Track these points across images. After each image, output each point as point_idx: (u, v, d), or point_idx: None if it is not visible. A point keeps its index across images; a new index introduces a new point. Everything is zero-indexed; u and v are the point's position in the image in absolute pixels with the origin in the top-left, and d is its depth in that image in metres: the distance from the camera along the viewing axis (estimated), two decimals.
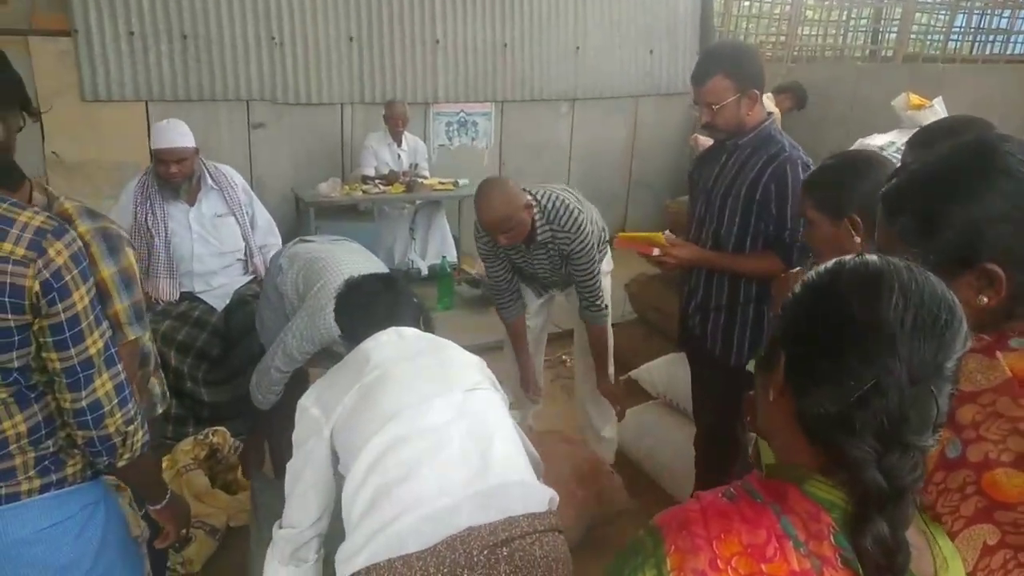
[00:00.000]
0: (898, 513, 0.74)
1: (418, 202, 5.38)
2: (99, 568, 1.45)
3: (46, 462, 1.35)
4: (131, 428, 1.37)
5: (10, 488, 1.32)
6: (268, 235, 3.37)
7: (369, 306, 1.80)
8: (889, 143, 3.27)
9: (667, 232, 2.35)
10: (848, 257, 0.82)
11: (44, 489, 1.35)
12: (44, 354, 1.27)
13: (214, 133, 5.21)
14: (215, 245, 3.22)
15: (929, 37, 7.15)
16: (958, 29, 7.18)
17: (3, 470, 1.31)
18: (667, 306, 3.57)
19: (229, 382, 3.25)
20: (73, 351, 1.27)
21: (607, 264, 3.05)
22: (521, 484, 1.47)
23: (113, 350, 1.35)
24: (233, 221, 3.22)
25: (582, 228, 2.62)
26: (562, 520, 1.54)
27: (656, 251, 2.23)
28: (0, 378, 1.25)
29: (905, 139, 2.54)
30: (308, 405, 1.58)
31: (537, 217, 2.60)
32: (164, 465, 2.89)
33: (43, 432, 1.34)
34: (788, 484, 0.79)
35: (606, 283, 3.05)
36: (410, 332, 1.73)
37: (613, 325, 4.53)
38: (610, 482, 2.82)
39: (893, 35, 6.79)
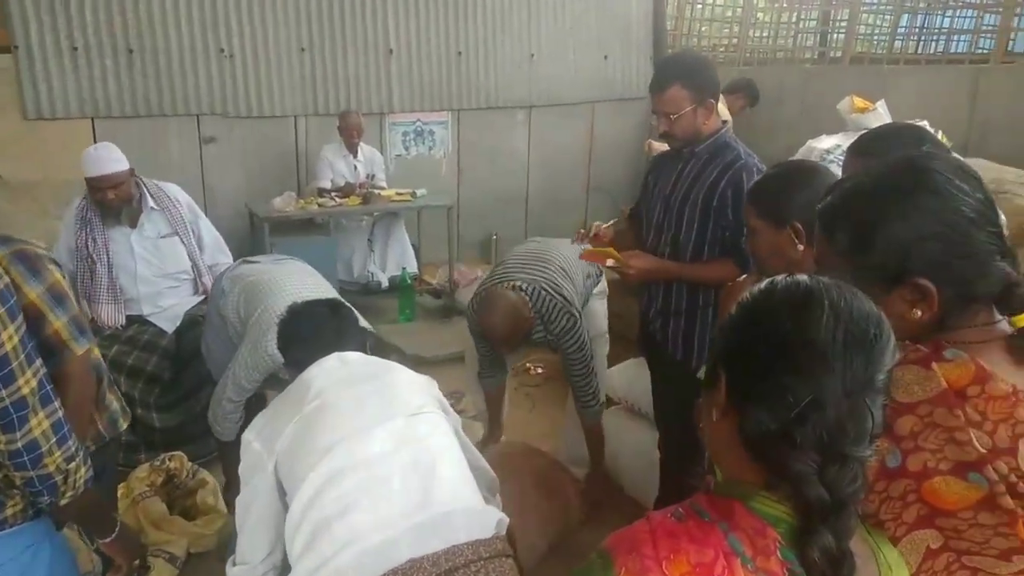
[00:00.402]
0: (841, 524, 0.76)
1: (376, 214, 5.34)
2: None
3: None
4: (72, 466, 1.33)
5: None
6: (217, 253, 3.31)
7: (312, 333, 1.78)
8: (835, 146, 3.34)
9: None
10: (780, 277, 0.84)
11: None
12: None
13: (163, 149, 5.11)
14: (159, 267, 3.15)
15: (876, 38, 7.33)
16: (903, 29, 7.37)
17: None
18: (628, 311, 3.59)
19: (181, 404, 3.19)
20: (4, 392, 1.23)
21: (601, 286, 3.15)
22: (465, 512, 1.45)
23: (49, 388, 1.31)
24: (177, 241, 3.16)
25: (575, 331, 2.68)
26: (526, 531, 1.53)
27: (611, 262, 2.26)
28: None
29: (850, 142, 2.60)
30: (251, 439, 1.55)
31: (534, 317, 2.65)
32: (120, 493, 2.82)
33: None
34: (734, 501, 0.80)
35: (600, 306, 3.16)
36: (354, 357, 1.71)
37: None
38: (575, 491, 2.82)
39: (841, 36, 6.95)
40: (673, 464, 2.56)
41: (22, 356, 1.25)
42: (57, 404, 1.31)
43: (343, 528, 1.36)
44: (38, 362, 1.29)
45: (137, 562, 1.61)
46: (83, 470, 1.37)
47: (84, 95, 4.82)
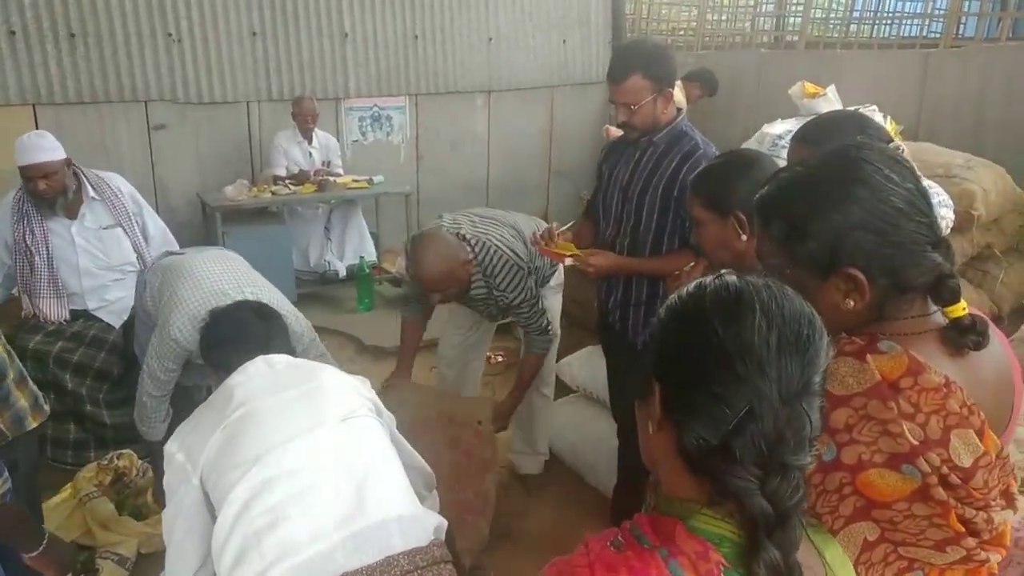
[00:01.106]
0: (786, 537, 0.74)
1: (333, 201, 5.25)
2: None
3: None
4: None
5: None
6: (164, 245, 3.21)
7: (237, 336, 1.73)
8: (787, 132, 3.36)
9: (556, 225, 2.38)
10: (709, 279, 0.81)
11: None
12: None
13: (111, 136, 4.94)
14: (103, 259, 3.06)
15: (831, 22, 7.40)
16: (858, 13, 7.46)
17: None
18: (587, 298, 3.59)
19: (132, 401, 3.10)
20: None
21: (555, 279, 2.97)
22: (400, 520, 1.41)
23: None
24: (120, 232, 3.06)
25: (521, 286, 2.56)
26: (466, 526, 1.50)
27: (569, 260, 2.26)
28: None
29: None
30: (174, 451, 1.50)
31: (474, 272, 2.52)
32: (65, 495, 2.75)
33: None
34: (676, 521, 0.78)
35: (555, 300, 3.00)
36: (281, 361, 1.66)
37: None
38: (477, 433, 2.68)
39: (798, 20, 7.00)
40: (631, 453, 2.57)
41: None
42: None
43: (273, 542, 1.32)
44: None
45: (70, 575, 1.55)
46: None
47: (24, 81, 4.62)
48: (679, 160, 2.19)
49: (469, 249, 2.50)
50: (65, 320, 3.04)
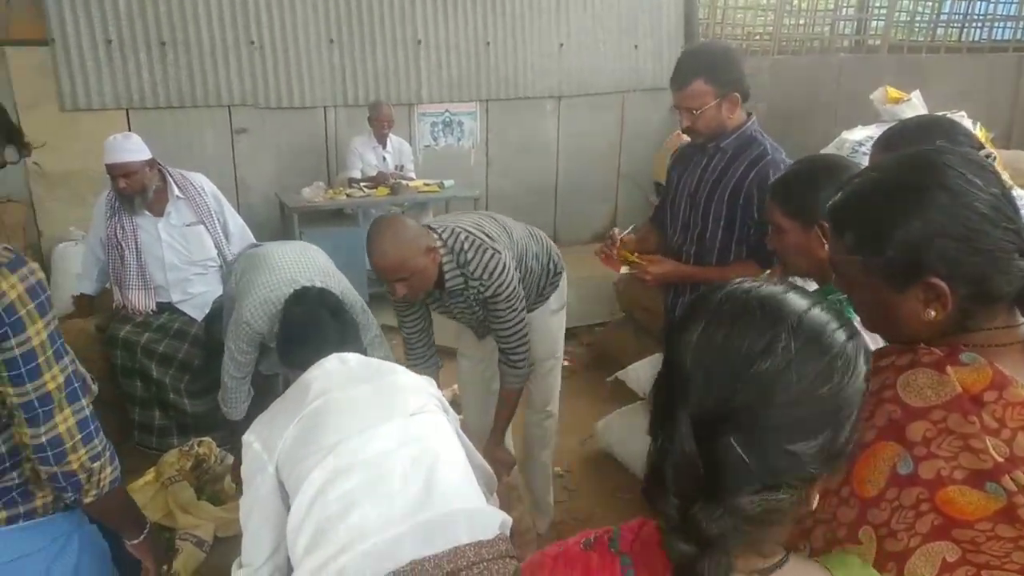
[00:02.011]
0: (710, 567, 0.70)
1: (404, 204, 5.36)
2: None
3: (13, 494, 1.34)
4: (97, 465, 1.34)
5: None
6: (243, 241, 3.36)
7: (312, 334, 1.79)
8: (868, 138, 3.26)
9: (617, 231, 2.35)
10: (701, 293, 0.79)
11: (10, 521, 1.33)
12: (0, 388, 1.25)
13: (197, 140, 5.19)
14: (186, 254, 3.23)
15: (916, 25, 7.13)
16: (944, 16, 7.15)
17: None
18: (655, 304, 3.55)
19: (211, 392, 3.24)
20: (29, 386, 1.25)
21: (557, 300, 2.68)
22: (467, 512, 1.44)
23: (77, 385, 1.32)
24: (203, 230, 3.22)
25: (498, 272, 2.24)
26: None
27: (624, 269, 2.24)
28: None
29: None
30: (251, 440, 1.56)
31: (445, 261, 2.23)
32: (149, 477, 2.89)
33: (7, 464, 1.33)
34: (657, 532, 0.77)
35: (556, 320, 2.71)
36: (353, 358, 1.71)
37: (601, 325, 4.56)
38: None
39: (881, 24, 6.77)
40: None
41: (50, 352, 1.27)
42: (85, 402, 1.33)
43: (346, 528, 1.36)
44: (67, 359, 1.31)
45: (165, 567, 1.63)
46: (109, 470, 1.38)
47: (119, 87, 4.90)
48: (746, 166, 2.14)
49: (436, 236, 2.24)
50: (152, 311, 3.21)
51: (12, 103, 4.59)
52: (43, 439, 1.28)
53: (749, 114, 2.23)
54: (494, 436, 2.50)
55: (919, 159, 0.98)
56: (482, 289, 2.26)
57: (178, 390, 3.22)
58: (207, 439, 3.10)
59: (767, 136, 2.22)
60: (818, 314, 0.74)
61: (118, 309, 3.23)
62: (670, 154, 4.62)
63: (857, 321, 1.06)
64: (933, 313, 0.95)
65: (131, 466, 3.00)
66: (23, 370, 1.24)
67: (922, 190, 0.94)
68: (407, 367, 2.53)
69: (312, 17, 5.31)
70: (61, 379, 1.29)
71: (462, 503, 1.45)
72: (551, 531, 2.86)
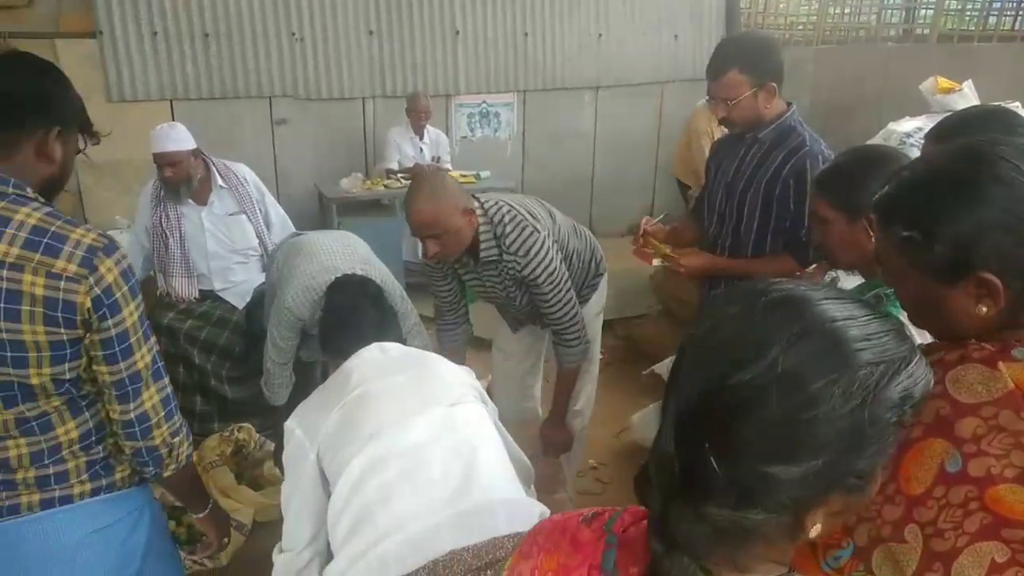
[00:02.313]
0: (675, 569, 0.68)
1: None
2: (145, 572, 1.48)
3: (97, 467, 1.40)
4: (177, 440, 1.41)
5: (63, 491, 1.37)
6: (284, 230, 3.40)
7: (353, 323, 1.81)
8: (916, 129, 3.17)
9: (648, 219, 2.33)
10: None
11: (95, 492, 1.40)
12: (95, 367, 1.32)
13: (238, 130, 5.27)
14: (228, 243, 3.28)
15: (967, 14, 6.90)
16: (998, 4, 6.91)
17: (57, 473, 1.36)
18: (691, 297, 3.52)
19: (251, 379, 3.30)
20: (122, 365, 1.31)
21: (597, 303, 2.63)
22: (505, 502, 1.44)
23: (160, 364, 1.39)
24: (245, 219, 3.27)
25: (535, 250, 2.18)
26: None
27: (657, 261, 2.21)
28: (54, 388, 1.30)
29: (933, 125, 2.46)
30: (293, 427, 1.58)
31: (483, 230, 2.19)
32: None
33: (93, 438, 1.39)
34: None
35: (595, 325, 2.66)
36: (393, 348, 1.73)
37: (638, 317, 4.53)
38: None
39: (930, 12, 6.57)
40: None
41: (140, 332, 1.33)
42: (166, 380, 1.40)
43: (386, 516, 1.38)
44: (152, 339, 1.38)
45: (226, 540, 1.69)
46: (186, 445, 1.45)
47: (164, 78, 5.01)
48: (783, 157, 2.10)
49: (478, 205, 2.20)
50: (195, 298, 3.27)
51: None
52: (132, 415, 1.34)
53: (789, 104, 2.18)
54: (553, 418, 2.52)
55: (971, 150, 0.95)
56: (517, 267, 2.21)
57: (219, 376, 3.28)
58: (247, 425, 3.16)
59: (807, 127, 2.18)
60: (834, 328, 0.65)
61: (162, 296, 3.31)
62: (691, 148, 4.55)
63: (903, 316, 1.03)
64: (985, 309, 0.92)
65: None
66: (117, 349, 1.30)
67: (975, 182, 0.91)
68: (437, 330, 2.65)
69: (352, 9, 5.35)
70: (148, 358, 1.35)
71: (500, 494, 1.45)
72: None
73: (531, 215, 2.26)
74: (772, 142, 2.14)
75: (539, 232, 2.21)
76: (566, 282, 2.28)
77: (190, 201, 3.20)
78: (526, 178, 6.08)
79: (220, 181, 3.23)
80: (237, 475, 2.97)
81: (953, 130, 1.56)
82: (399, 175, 5.14)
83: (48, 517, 1.36)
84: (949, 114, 1.70)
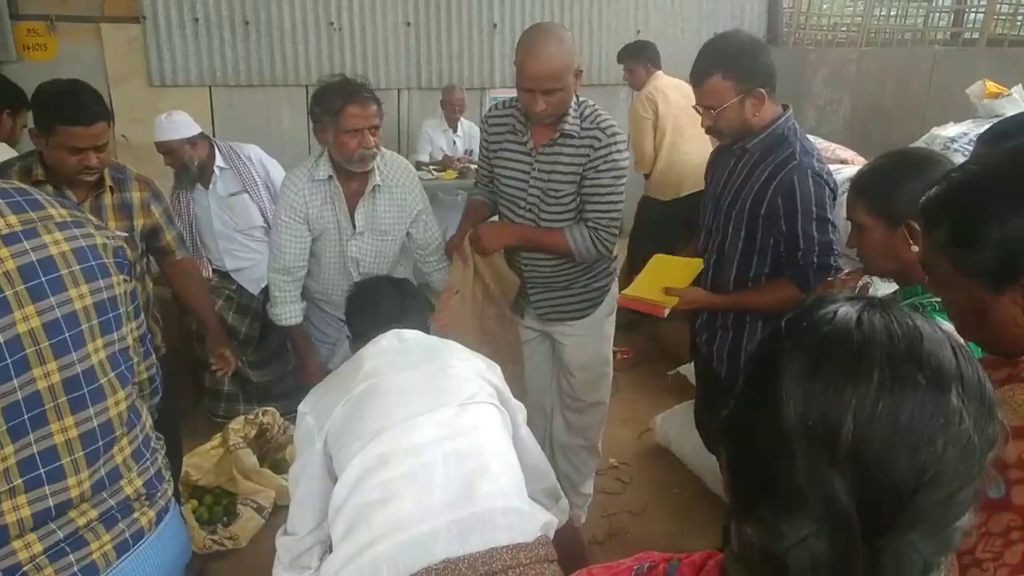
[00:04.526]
0: None
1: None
2: None
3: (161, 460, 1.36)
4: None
5: (163, 499, 1.31)
6: None
7: (376, 304, 1.79)
8: (961, 134, 3.07)
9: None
10: (829, 309, 0.61)
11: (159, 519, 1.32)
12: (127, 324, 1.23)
13: (275, 117, 5.32)
14: (231, 222, 3.34)
15: (1019, 18, 6.70)
16: None
17: (156, 475, 1.28)
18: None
19: (272, 362, 3.39)
20: (135, 323, 1.27)
21: (608, 303, 2.46)
22: (507, 512, 1.38)
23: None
24: (247, 198, 3.31)
25: (618, 139, 2.16)
26: None
27: (667, 311, 2.02)
28: (128, 375, 1.20)
29: (979, 130, 2.38)
30: (305, 411, 1.57)
31: (572, 107, 2.17)
32: (216, 443, 2.99)
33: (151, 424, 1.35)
34: (719, 571, 0.69)
35: (607, 327, 2.52)
36: (412, 336, 1.69)
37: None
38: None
39: (980, 16, 6.39)
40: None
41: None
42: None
43: (383, 516, 1.35)
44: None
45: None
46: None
47: (203, 64, 5.07)
48: (770, 172, 1.91)
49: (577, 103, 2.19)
50: (208, 278, 3.32)
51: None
52: (153, 372, 1.36)
53: (786, 107, 2.00)
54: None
55: (1021, 152, 0.91)
56: (596, 145, 2.13)
57: (242, 360, 3.32)
58: (271, 408, 3.19)
59: (801, 136, 1.98)
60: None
61: None
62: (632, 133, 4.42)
63: (949, 326, 0.99)
64: None
65: (200, 430, 3.13)
66: (137, 303, 1.27)
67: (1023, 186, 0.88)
68: (471, 193, 2.51)
69: (391, 0, 5.36)
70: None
71: (503, 503, 1.40)
72: (604, 523, 2.84)
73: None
74: (762, 153, 1.96)
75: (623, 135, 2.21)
76: (621, 189, 2.21)
77: (199, 185, 3.26)
78: None
79: (220, 162, 3.27)
80: (260, 458, 3.00)
81: (1007, 134, 1.49)
82: (431, 167, 5.15)
83: (163, 532, 1.26)
84: (1003, 118, 1.62)
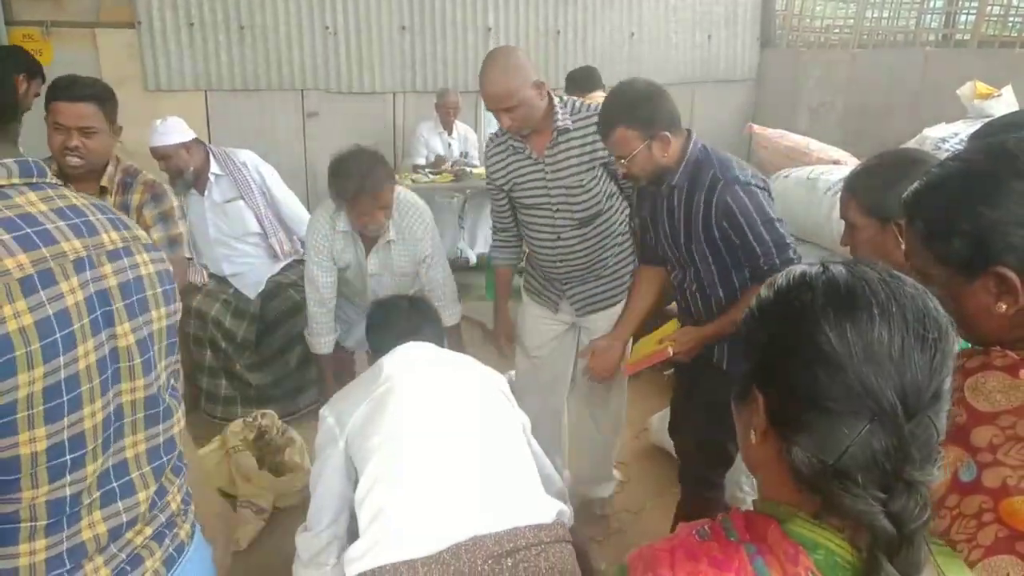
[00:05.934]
0: (911, 560, 0.67)
1: (468, 192, 5.40)
2: None
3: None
4: None
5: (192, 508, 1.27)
6: (295, 206, 3.47)
7: (394, 321, 1.91)
8: (952, 134, 3.11)
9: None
10: (814, 270, 0.74)
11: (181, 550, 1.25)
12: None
13: (269, 121, 5.33)
14: (227, 229, 3.34)
15: (1011, 19, 6.74)
16: None
17: (184, 484, 1.23)
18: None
19: (269, 365, 3.40)
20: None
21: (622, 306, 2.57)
22: (524, 496, 1.50)
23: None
24: (242, 205, 3.31)
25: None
26: None
27: (671, 350, 2.13)
28: (177, 393, 1.17)
29: (970, 131, 2.41)
30: (326, 414, 1.66)
31: (557, 105, 2.30)
32: (215, 445, 3.00)
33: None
34: (771, 520, 0.73)
35: (605, 322, 2.58)
36: (429, 347, 1.81)
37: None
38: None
39: (971, 18, 6.43)
40: (690, 474, 2.38)
41: None
42: None
43: (410, 501, 1.45)
44: None
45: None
46: None
47: (199, 69, 5.08)
48: (705, 200, 2.00)
49: (557, 99, 2.31)
50: (202, 283, 3.33)
51: None
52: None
53: (689, 133, 2.08)
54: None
55: (997, 147, 0.95)
56: (595, 140, 2.23)
57: (241, 364, 3.35)
58: (270, 411, 3.20)
59: (712, 152, 2.06)
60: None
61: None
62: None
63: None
64: (1004, 307, 0.91)
65: (198, 433, 3.14)
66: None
67: (996, 178, 0.91)
68: (491, 248, 2.77)
69: (385, 4, 5.39)
70: None
71: (523, 487, 1.51)
72: (602, 522, 2.86)
73: None
74: (689, 185, 2.05)
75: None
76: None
77: (193, 191, 3.26)
78: None
79: (215, 168, 3.27)
80: (259, 460, 3.01)
81: (999, 133, 1.52)
82: (427, 170, 5.17)
83: (198, 542, 1.23)
84: (996, 118, 1.65)
